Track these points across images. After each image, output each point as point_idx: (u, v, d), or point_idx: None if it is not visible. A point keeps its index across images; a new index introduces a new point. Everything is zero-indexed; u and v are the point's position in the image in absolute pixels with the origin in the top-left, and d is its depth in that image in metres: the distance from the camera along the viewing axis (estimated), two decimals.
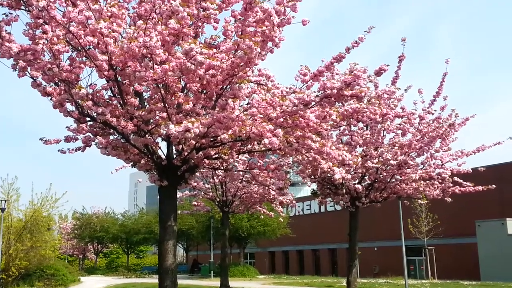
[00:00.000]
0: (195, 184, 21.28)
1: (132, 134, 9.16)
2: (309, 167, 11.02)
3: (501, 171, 33.47)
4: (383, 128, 14.90)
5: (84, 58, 8.18)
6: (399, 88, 13.06)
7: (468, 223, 35.37)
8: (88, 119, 8.98)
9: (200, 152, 9.58)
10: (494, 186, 16.48)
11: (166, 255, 9.48)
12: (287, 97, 8.51)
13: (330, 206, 45.57)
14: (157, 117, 8.92)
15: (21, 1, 7.58)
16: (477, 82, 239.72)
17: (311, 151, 9.06)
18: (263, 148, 9.69)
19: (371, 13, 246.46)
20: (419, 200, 19.88)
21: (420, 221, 33.34)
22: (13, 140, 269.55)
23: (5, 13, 7.57)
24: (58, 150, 9.94)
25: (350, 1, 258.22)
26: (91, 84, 8.78)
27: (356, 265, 16.87)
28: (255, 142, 9.35)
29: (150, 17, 8.11)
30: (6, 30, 7.54)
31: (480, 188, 16.32)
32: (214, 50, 7.79)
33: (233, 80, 7.99)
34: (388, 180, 15.78)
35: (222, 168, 12.05)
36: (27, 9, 7.68)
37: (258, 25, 7.62)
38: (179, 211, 20.13)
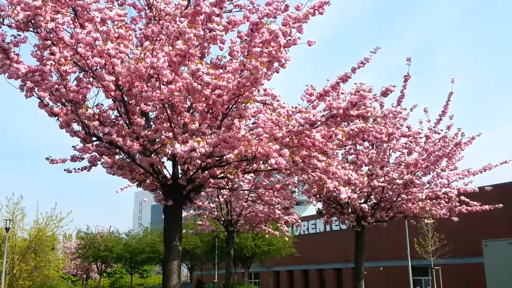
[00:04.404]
0: (200, 203, 21.17)
1: (138, 154, 9.17)
2: (315, 187, 10.94)
3: (508, 190, 33.17)
4: (389, 147, 14.86)
5: (91, 79, 8.24)
6: (405, 109, 13.06)
7: (475, 242, 34.94)
8: (94, 138, 9.01)
9: (206, 172, 9.56)
10: (501, 205, 16.35)
11: (171, 276, 9.40)
12: (293, 116, 8.50)
13: (336, 225, 45.21)
14: (163, 137, 8.93)
15: (30, 23, 7.65)
16: (482, 102, 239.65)
17: (317, 170, 9.02)
18: (269, 168, 9.65)
19: (376, 32, 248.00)
20: (426, 220, 19.69)
21: (427, 241, 32.97)
22: (19, 160, 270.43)
23: (13, 35, 7.66)
24: (64, 170, 9.97)
25: (355, 20, 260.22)
26: (97, 104, 8.84)
27: (362, 285, 16.67)
28: (261, 162, 9.32)
29: (158, 38, 8.16)
30: (14, 52, 7.61)
31: (487, 207, 16.20)
32: (220, 71, 7.82)
33: (239, 100, 8.02)
34: (394, 199, 15.67)
35: (227, 187, 12.00)
36: (35, 30, 7.76)
37: (264, 46, 7.67)
38: (184, 231, 20.00)
